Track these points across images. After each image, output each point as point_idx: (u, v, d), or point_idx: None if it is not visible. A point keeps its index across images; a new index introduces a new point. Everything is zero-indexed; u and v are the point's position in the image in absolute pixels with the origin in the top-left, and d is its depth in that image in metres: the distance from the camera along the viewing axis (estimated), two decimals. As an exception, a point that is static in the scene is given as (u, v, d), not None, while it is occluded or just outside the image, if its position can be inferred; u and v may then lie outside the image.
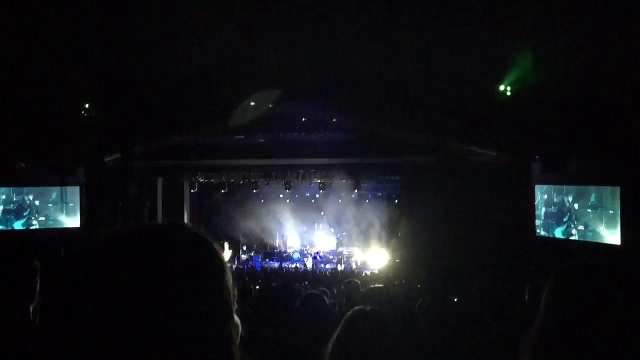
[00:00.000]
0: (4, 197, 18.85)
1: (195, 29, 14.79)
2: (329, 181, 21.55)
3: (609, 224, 14.90)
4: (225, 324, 0.90)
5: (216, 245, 0.97)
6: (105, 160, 19.82)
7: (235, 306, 0.94)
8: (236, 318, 0.94)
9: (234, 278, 0.97)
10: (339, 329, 1.83)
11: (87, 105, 17.76)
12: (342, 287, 6.30)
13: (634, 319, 1.48)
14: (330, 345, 1.80)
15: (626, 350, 1.45)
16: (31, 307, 2.60)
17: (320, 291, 7.13)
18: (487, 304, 3.28)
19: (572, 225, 16.06)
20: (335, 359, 1.77)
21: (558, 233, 16.45)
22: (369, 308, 1.86)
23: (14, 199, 19.00)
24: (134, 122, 18.17)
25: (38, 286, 2.70)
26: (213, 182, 22.37)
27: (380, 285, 4.20)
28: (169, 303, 0.84)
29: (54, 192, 19.44)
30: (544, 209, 16.99)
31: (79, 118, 17.64)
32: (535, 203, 17.12)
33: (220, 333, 0.89)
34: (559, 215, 16.48)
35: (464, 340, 3.17)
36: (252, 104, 18.95)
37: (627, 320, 1.48)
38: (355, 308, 1.88)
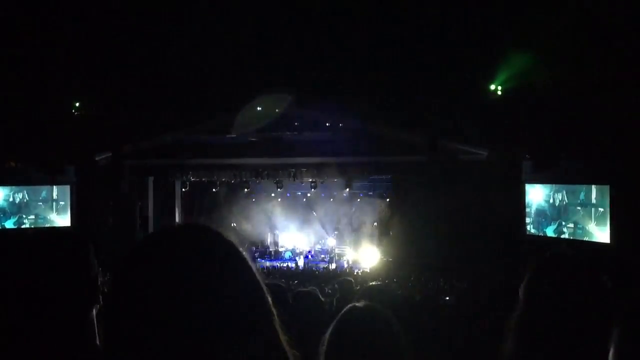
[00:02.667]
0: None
1: (187, 29, 14.78)
2: (321, 180, 21.55)
3: (599, 221, 15.02)
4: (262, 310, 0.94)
5: (237, 243, 1.01)
6: (96, 159, 19.73)
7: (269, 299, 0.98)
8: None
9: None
10: (333, 325, 1.83)
11: (77, 104, 17.67)
12: (336, 285, 6.31)
13: (595, 302, 1.68)
14: (325, 342, 1.81)
15: (589, 327, 1.63)
16: None
17: (311, 289, 7.14)
18: (480, 302, 3.32)
19: (563, 224, 16.17)
20: (331, 355, 1.78)
21: (549, 231, 16.55)
22: (363, 304, 1.87)
23: (5, 197, 18.89)
24: (124, 121, 18.10)
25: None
26: (204, 180, 22.30)
27: (378, 282, 4.19)
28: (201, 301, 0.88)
29: (44, 191, 19.35)
30: (534, 208, 17.09)
31: (69, 117, 17.56)
32: (526, 202, 17.22)
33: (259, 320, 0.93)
34: (549, 213, 16.59)
35: (457, 335, 3.20)
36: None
37: (589, 302, 1.68)
38: (350, 304, 1.88)
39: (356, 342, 1.75)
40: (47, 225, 19.12)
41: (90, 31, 14.85)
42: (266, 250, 24.56)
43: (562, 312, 1.66)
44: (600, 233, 14.97)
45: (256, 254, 23.86)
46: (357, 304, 1.87)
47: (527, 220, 17.23)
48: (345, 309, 1.87)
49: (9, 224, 18.78)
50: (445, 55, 15.69)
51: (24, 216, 19.06)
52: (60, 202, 19.49)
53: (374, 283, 2.66)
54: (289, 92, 18.37)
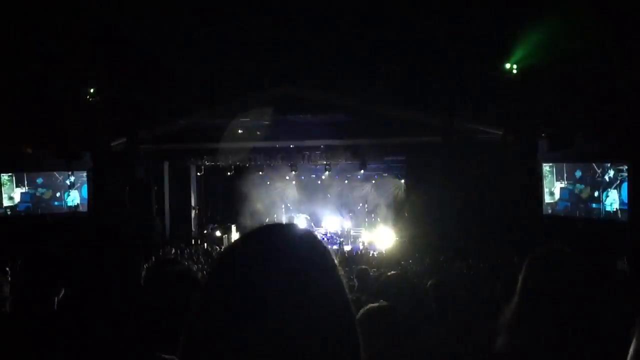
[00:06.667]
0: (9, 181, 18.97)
1: (201, 14, 14.73)
2: (335, 162, 21.54)
3: (616, 201, 14.87)
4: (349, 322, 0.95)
5: (326, 245, 1.02)
6: (112, 144, 19.86)
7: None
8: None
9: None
10: None
11: (92, 90, 17.75)
12: (354, 276, 6.29)
13: (590, 298, 1.68)
14: None
15: (584, 323, 1.63)
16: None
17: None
18: (498, 285, 3.31)
19: (579, 203, 16.03)
20: None
21: (566, 211, 16.43)
22: (383, 304, 1.84)
23: (27, 183, 19.13)
24: (139, 106, 18.17)
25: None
26: (219, 164, 22.40)
27: (396, 272, 4.13)
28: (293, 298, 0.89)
29: (61, 177, 19.54)
30: (551, 187, 16.95)
31: (85, 103, 17.65)
32: (543, 181, 17.07)
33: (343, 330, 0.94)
34: (566, 193, 16.46)
35: (475, 323, 3.19)
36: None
37: (584, 299, 1.67)
38: (368, 306, 1.85)
39: (374, 343, 1.73)
40: (65, 211, 19.40)
41: (105, 17, 14.87)
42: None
43: (557, 308, 1.65)
44: (617, 212, 14.83)
45: None
46: (370, 307, 1.84)
47: (544, 199, 17.10)
48: (361, 313, 1.84)
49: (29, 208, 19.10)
50: (459, 33, 15.52)
51: (42, 201, 19.34)
52: (77, 188, 19.72)
53: (391, 273, 2.60)
54: (302, 73, 18.31)
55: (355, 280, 5.92)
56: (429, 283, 5.46)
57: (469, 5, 14.60)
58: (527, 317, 1.70)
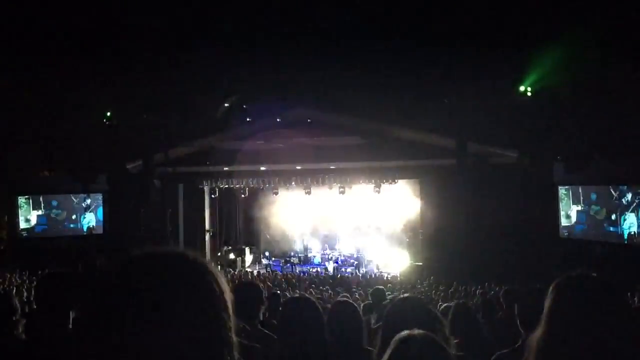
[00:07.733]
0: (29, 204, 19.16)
1: (215, 36, 14.89)
2: (349, 185, 21.51)
3: (632, 223, 14.70)
4: (220, 345, 0.95)
5: (215, 271, 1.03)
6: (127, 167, 20.03)
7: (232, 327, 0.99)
8: (234, 338, 0.99)
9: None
10: (388, 354, 1.74)
11: (109, 114, 17.96)
12: (370, 296, 6.27)
13: (620, 324, 1.61)
14: None
15: (614, 350, 1.57)
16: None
17: (342, 296, 7.13)
18: (517, 314, 3.25)
19: (596, 225, 15.86)
20: None
21: (583, 234, 16.26)
22: (420, 332, 1.76)
23: (43, 206, 19.33)
24: (155, 129, 18.33)
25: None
26: (233, 187, 22.45)
27: (408, 295, 4.08)
28: (167, 324, 0.90)
29: (77, 199, 19.72)
30: (567, 210, 16.79)
31: (101, 126, 17.86)
32: (559, 204, 16.92)
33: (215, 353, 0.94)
34: (582, 215, 16.30)
35: (492, 348, 3.15)
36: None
37: (614, 325, 1.61)
38: (406, 332, 1.77)
39: None
40: (80, 233, 19.54)
41: (121, 42, 15.09)
42: (295, 256, 24.56)
43: (586, 335, 1.59)
44: (635, 236, 14.65)
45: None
46: (408, 333, 1.76)
47: (560, 222, 16.92)
48: (400, 338, 1.76)
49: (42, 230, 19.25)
50: (473, 57, 15.54)
51: (60, 223, 19.50)
52: (93, 210, 19.89)
53: (404, 296, 2.55)
54: (316, 97, 18.40)
55: (370, 298, 5.88)
56: (443, 307, 5.41)
57: (484, 27, 14.64)
58: (557, 345, 1.64)
